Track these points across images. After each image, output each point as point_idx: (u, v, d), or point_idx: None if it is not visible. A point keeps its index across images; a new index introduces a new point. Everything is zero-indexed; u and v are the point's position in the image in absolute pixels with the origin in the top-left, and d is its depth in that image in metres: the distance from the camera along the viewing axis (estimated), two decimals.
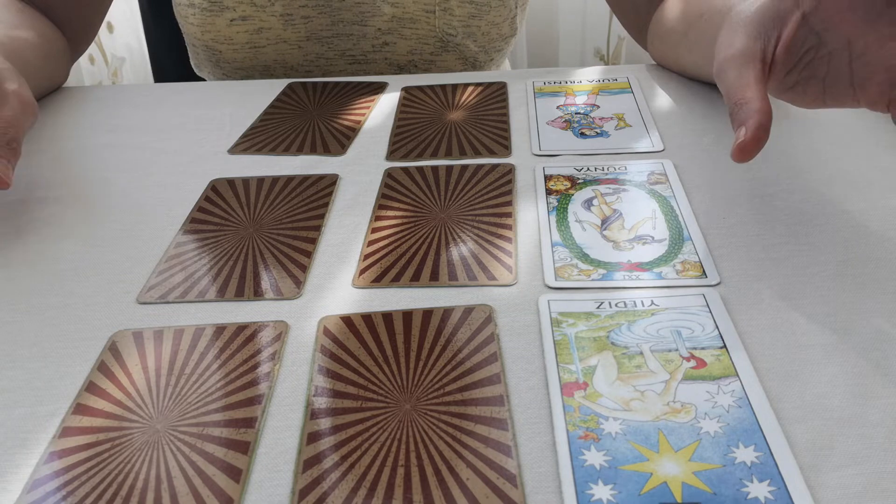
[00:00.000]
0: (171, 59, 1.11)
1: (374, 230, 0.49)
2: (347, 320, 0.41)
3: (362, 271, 0.45)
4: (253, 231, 0.50)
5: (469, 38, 0.80)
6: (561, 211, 0.50)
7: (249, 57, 0.80)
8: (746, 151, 0.39)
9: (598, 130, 0.60)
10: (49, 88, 0.71)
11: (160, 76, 1.18)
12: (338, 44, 0.81)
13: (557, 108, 0.64)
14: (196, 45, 0.81)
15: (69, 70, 0.75)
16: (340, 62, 0.82)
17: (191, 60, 0.87)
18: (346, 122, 0.64)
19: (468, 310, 0.41)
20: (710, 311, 0.40)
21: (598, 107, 0.64)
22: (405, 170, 0.56)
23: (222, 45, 0.79)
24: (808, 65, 0.43)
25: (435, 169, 0.56)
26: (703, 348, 0.38)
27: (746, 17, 0.43)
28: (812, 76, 0.43)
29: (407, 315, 0.41)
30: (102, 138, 0.64)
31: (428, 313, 0.41)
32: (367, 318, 0.41)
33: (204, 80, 0.90)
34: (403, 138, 0.61)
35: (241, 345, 0.40)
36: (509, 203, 0.51)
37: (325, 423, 0.35)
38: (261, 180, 0.56)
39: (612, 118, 0.62)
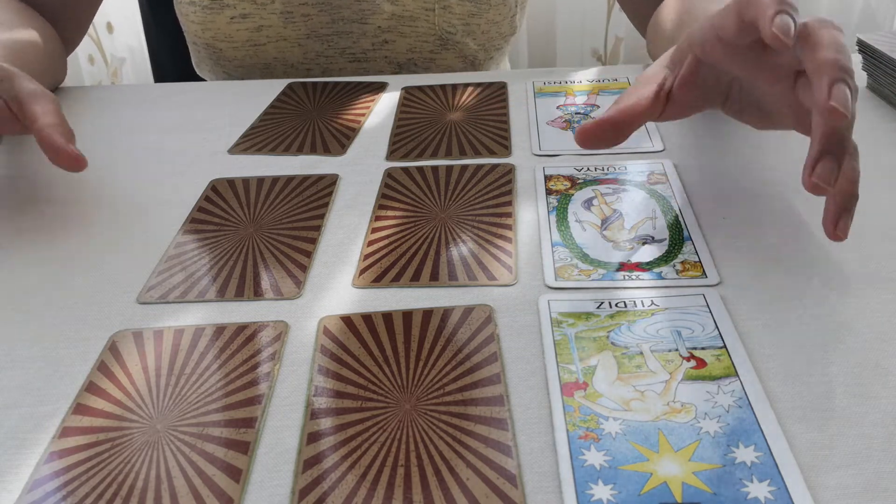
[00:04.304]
0: (171, 59, 1.11)
1: (374, 230, 0.49)
2: (347, 320, 0.41)
3: (362, 271, 0.45)
4: (253, 231, 0.50)
5: (468, 37, 0.80)
6: (561, 211, 0.50)
7: (250, 55, 0.80)
8: (582, 133, 0.44)
9: None
10: (50, 88, 0.71)
11: (160, 76, 1.18)
12: (338, 42, 0.81)
13: (557, 108, 0.64)
14: (197, 44, 0.81)
15: (66, 69, 0.75)
16: (340, 60, 0.82)
17: (192, 59, 0.87)
18: (345, 122, 0.64)
19: (468, 310, 0.41)
20: (710, 311, 0.40)
21: (598, 107, 0.64)
22: (405, 170, 0.56)
23: (223, 42, 0.79)
24: (731, 95, 0.46)
25: (435, 169, 0.56)
26: (703, 348, 0.38)
27: (670, 50, 0.48)
28: (748, 104, 0.46)
29: (407, 315, 0.41)
30: (102, 138, 0.64)
31: (428, 313, 0.41)
32: (367, 318, 0.41)
33: (204, 79, 0.90)
34: (403, 138, 0.61)
35: (241, 345, 0.40)
36: (509, 203, 0.51)
37: (325, 423, 0.35)
38: (261, 180, 0.56)
39: None
